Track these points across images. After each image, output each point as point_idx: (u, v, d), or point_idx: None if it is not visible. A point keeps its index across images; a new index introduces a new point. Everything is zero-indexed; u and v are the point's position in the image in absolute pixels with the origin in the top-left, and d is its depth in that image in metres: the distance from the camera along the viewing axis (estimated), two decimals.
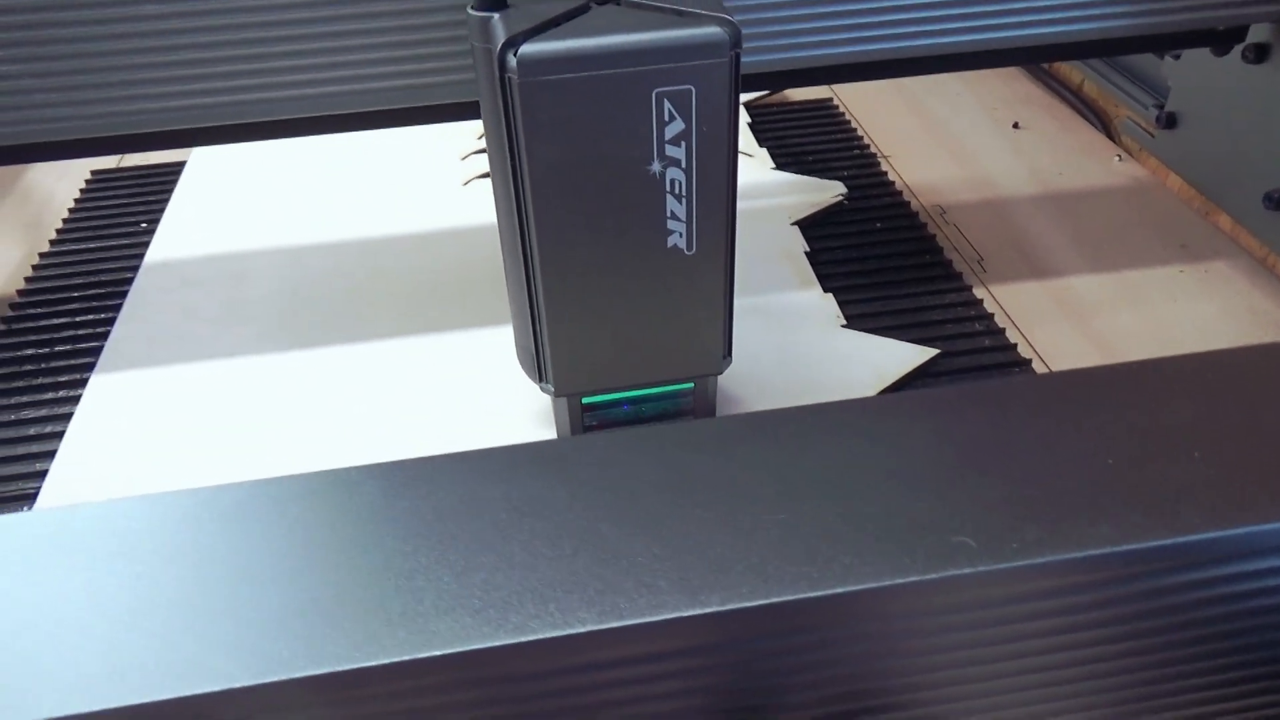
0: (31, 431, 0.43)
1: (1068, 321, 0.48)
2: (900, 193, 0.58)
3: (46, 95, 0.36)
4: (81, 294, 0.52)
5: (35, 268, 0.54)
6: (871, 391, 0.42)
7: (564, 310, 0.33)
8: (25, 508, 0.39)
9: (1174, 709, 0.24)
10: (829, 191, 0.57)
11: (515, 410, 0.42)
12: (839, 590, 0.20)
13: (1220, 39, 0.44)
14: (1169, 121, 0.53)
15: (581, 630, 0.19)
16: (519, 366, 0.37)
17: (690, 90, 0.29)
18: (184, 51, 0.36)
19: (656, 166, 0.30)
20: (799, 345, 0.45)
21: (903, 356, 0.44)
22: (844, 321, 0.47)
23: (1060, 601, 0.21)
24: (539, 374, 0.36)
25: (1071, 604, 0.21)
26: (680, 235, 0.32)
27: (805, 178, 0.59)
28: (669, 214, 0.32)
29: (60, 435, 0.42)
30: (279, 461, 0.40)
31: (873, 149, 0.63)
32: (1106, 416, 0.23)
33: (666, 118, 0.30)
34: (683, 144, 0.30)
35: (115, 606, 0.20)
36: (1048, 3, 0.40)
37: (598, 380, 0.35)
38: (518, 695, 0.20)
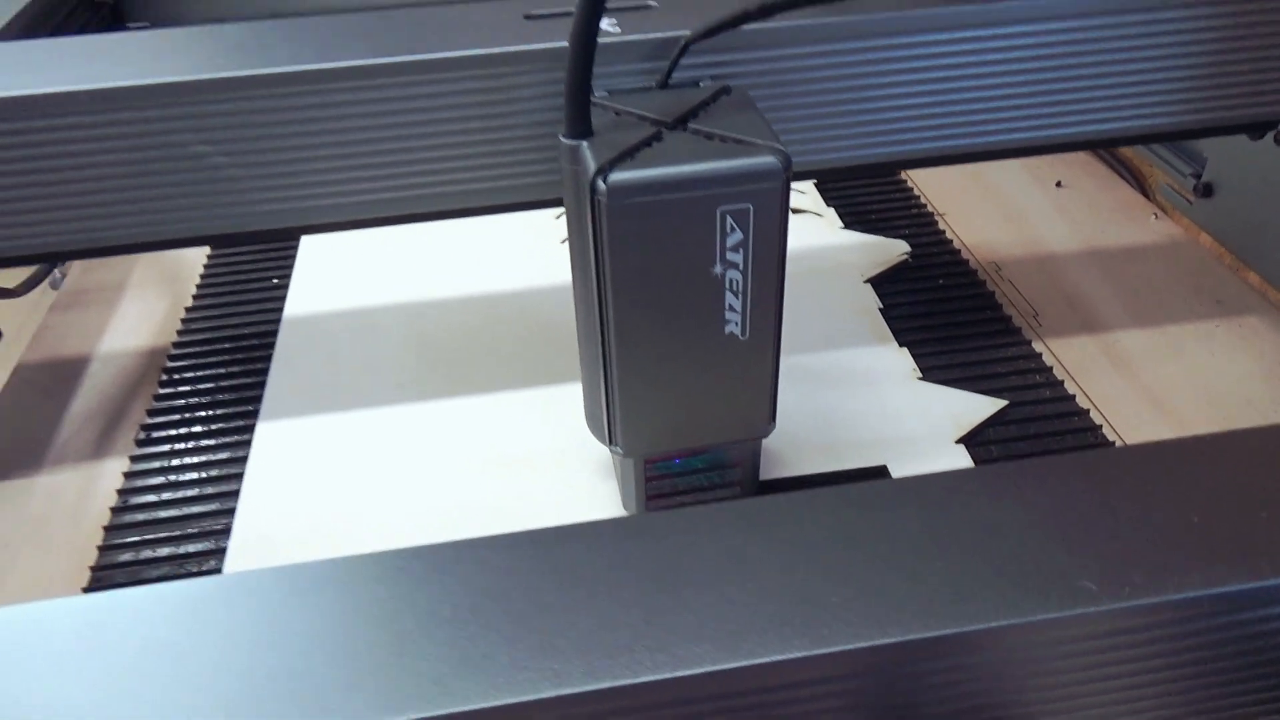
0: (213, 473, 0.49)
1: (1118, 374, 0.54)
2: (958, 250, 0.64)
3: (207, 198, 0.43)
4: (233, 344, 0.58)
5: (184, 320, 0.60)
6: (952, 439, 0.48)
7: (634, 387, 0.39)
8: (221, 542, 0.45)
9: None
10: (895, 250, 0.63)
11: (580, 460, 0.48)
12: (991, 625, 0.26)
13: (1257, 127, 0.50)
14: (1206, 191, 0.58)
15: (795, 656, 0.25)
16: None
17: (749, 208, 0.35)
18: (316, 163, 0.43)
19: (718, 269, 0.36)
20: (883, 397, 0.51)
21: (975, 407, 0.50)
22: (920, 374, 0.53)
23: (1159, 633, 0.26)
24: (608, 438, 0.41)
25: (1168, 636, 0.26)
26: (736, 324, 0.38)
27: (871, 236, 0.65)
28: (727, 307, 0.37)
29: (239, 476, 0.48)
30: (441, 501, 0.46)
31: (929, 208, 0.69)
32: (1185, 484, 0.29)
33: (728, 230, 0.35)
34: (740, 250, 0.36)
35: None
36: (1106, 104, 0.46)
37: (660, 444, 0.41)
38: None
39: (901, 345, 0.55)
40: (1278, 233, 0.53)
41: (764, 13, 0.37)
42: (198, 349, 0.58)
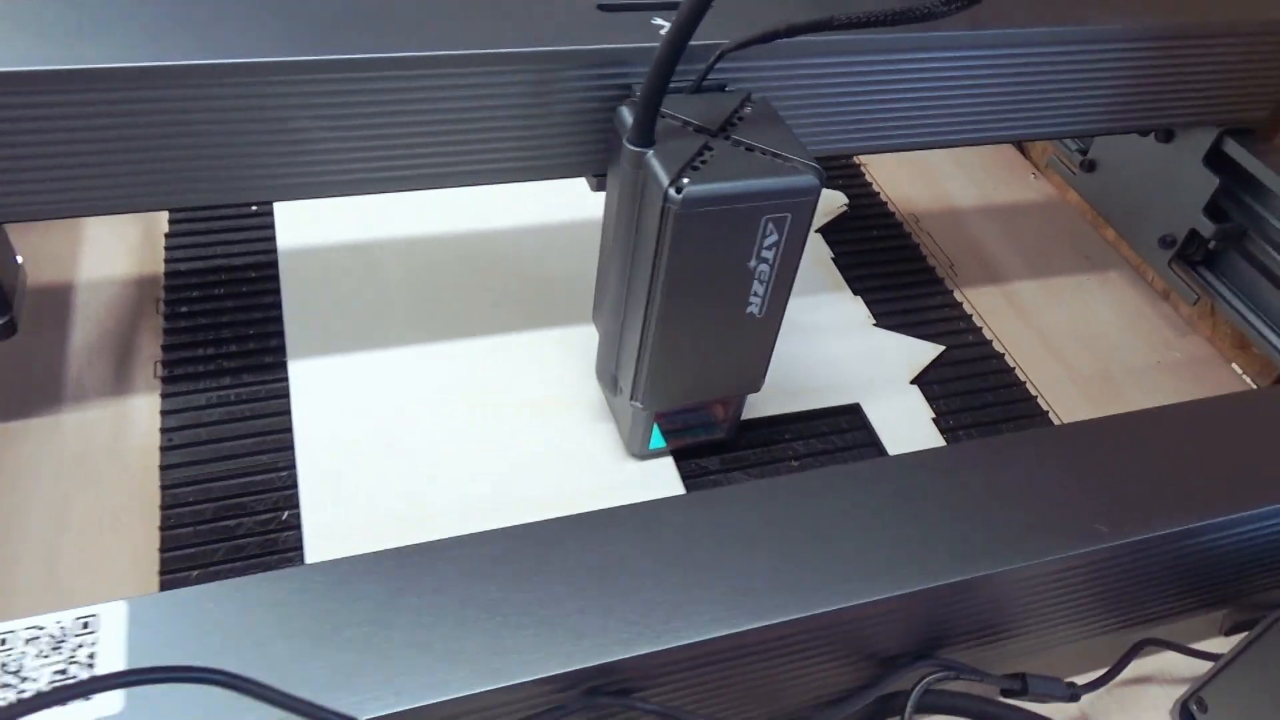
0: (253, 407, 0.52)
1: (1018, 320, 0.66)
2: (885, 203, 0.73)
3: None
4: (229, 275, 0.59)
5: (167, 249, 0.60)
6: (907, 380, 0.58)
7: (665, 356, 0.45)
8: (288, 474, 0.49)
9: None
10: (836, 201, 0.71)
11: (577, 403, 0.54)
12: (1032, 561, 0.35)
13: (1144, 131, 0.61)
14: (1090, 167, 0.70)
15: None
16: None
17: (787, 217, 0.41)
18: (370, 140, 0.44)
19: (753, 263, 0.43)
20: (846, 343, 0.60)
21: (922, 351, 0.60)
22: (874, 321, 0.62)
23: (1143, 558, 0.37)
24: (630, 395, 0.48)
25: (1149, 559, 0.37)
26: (756, 306, 0.45)
27: None
28: (753, 293, 0.44)
29: (282, 412, 0.51)
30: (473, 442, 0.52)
31: (855, 159, 0.77)
32: (1144, 449, 0.40)
33: (767, 233, 0.42)
34: (773, 249, 0.42)
35: None
36: (1040, 112, 0.55)
37: (675, 400, 0.49)
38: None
39: (855, 294, 0.64)
40: (1143, 205, 0.66)
41: (790, 32, 0.43)
42: (193, 279, 0.58)
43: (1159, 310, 0.69)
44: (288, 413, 0.51)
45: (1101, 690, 0.42)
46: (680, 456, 0.52)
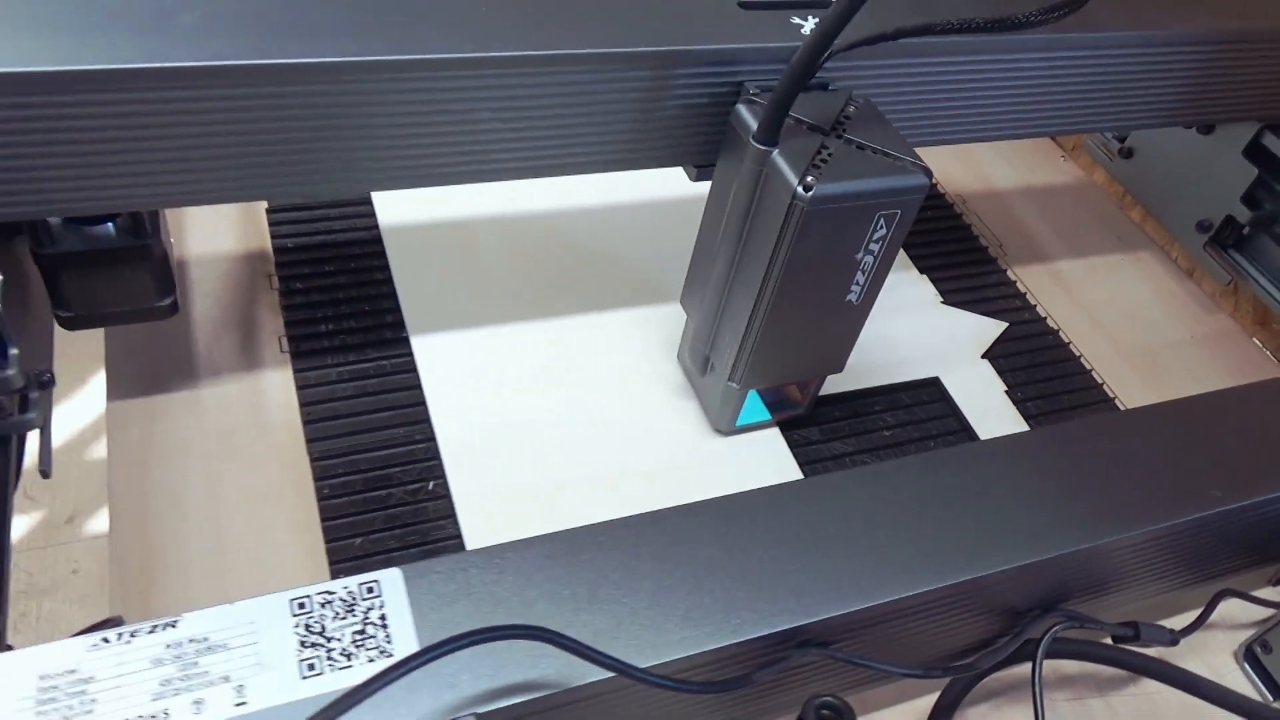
0: (382, 381, 0.54)
1: (1065, 296, 0.70)
2: (935, 184, 0.77)
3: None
4: (337, 252, 0.60)
5: (272, 226, 0.61)
6: (977, 355, 0.63)
7: (769, 340, 0.48)
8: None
9: None
10: None
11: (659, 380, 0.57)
12: (1160, 524, 0.40)
13: (1186, 125, 0.66)
14: (1128, 154, 0.75)
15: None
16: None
17: (897, 213, 0.44)
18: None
19: (860, 255, 0.45)
20: (918, 320, 0.64)
21: (987, 327, 0.65)
22: (942, 299, 0.66)
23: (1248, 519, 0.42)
24: (729, 374, 0.50)
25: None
26: (856, 294, 0.47)
27: None
28: (855, 282, 0.47)
29: (413, 386, 0.54)
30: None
31: None
32: (1218, 427, 0.45)
33: (878, 227, 0.44)
34: (880, 242, 0.45)
35: None
36: (1108, 107, 0.59)
37: (769, 379, 0.52)
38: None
39: (922, 273, 0.68)
40: (1180, 191, 0.71)
41: (897, 35, 0.45)
42: (301, 255, 0.60)
43: (1186, 288, 0.74)
44: (417, 386, 0.54)
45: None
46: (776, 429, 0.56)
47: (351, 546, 0.47)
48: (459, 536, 0.48)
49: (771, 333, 0.48)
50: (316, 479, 0.49)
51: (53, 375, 0.45)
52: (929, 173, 0.44)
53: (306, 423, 0.52)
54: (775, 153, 0.43)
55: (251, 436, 0.51)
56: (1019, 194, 0.79)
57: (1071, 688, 0.49)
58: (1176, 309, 0.72)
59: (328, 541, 0.47)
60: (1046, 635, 0.42)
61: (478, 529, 0.48)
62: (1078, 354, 0.66)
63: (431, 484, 0.50)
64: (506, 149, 0.46)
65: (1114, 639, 0.45)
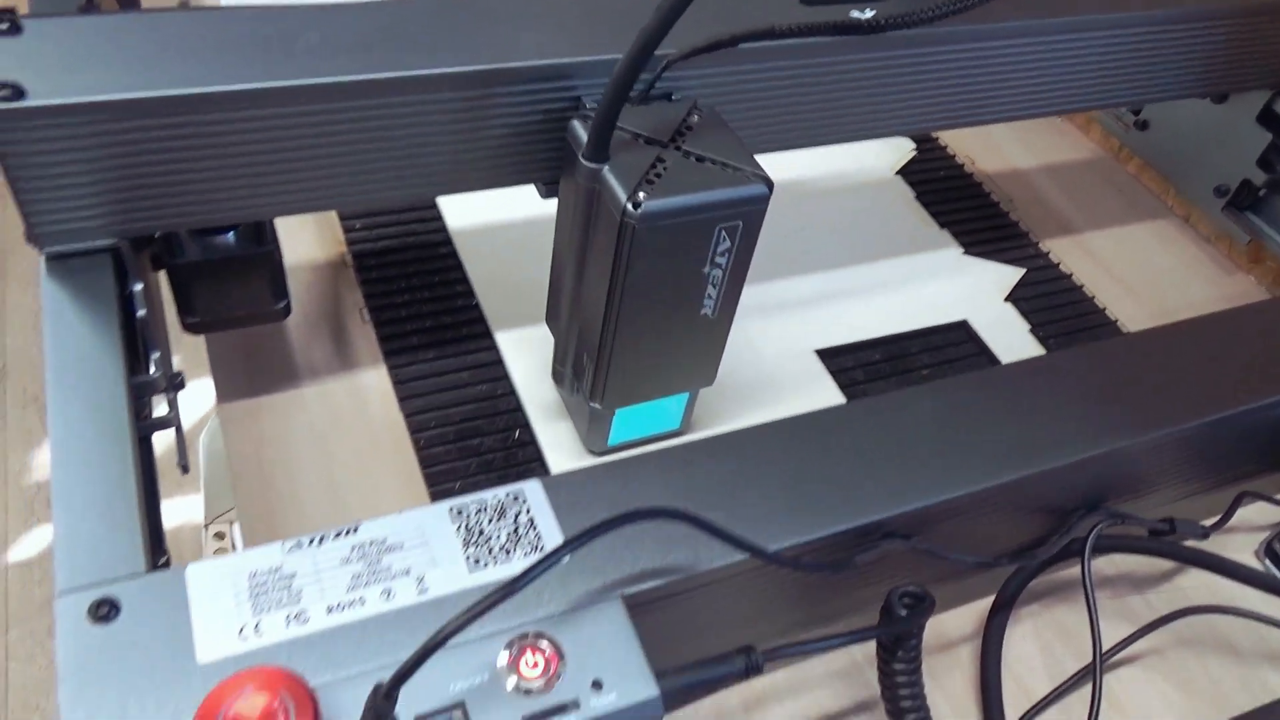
0: (475, 375, 0.57)
1: (1092, 262, 0.74)
2: (945, 147, 0.82)
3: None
4: (412, 254, 0.64)
5: (345, 230, 0.65)
6: (1001, 299, 0.68)
7: (624, 358, 0.47)
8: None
9: None
10: (906, 147, 0.80)
11: None
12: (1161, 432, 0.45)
13: (1202, 96, 0.70)
14: (1143, 126, 0.80)
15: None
16: None
17: (739, 224, 0.43)
18: None
19: (707, 269, 0.44)
20: (943, 269, 0.69)
21: (1007, 274, 0.70)
22: (964, 250, 0.71)
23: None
24: (588, 395, 0.49)
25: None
26: (710, 308, 0.46)
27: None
28: (707, 295, 0.45)
29: (501, 377, 0.58)
30: None
31: None
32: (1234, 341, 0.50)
33: (720, 241, 0.43)
34: (726, 254, 0.44)
35: None
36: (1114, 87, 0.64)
37: (632, 398, 0.50)
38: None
39: (942, 227, 0.73)
40: (1196, 159, 0.76)
41: (734, 41, 0.45)
42: (377, 259, 0.63)
43: (1207, 252, 0.78)
44: (500, 362, 0.58)
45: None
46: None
47: (451, 489, 0.52)
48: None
49: (626, 352, 0.46)
50: (412, 433, 0.54)
51: (183, 377, 0.48)
52: (769, 182, 0.42)
53: (401, 399, 0.55)
54: (605, 169, 0.41)
55: (359, 435, 0.55)
56: (1029, 156, 0.84)
57: (1111, 587, 0.54)
58: (1199, 272, 0.76)
59: (429, 486, 0.52)
60: (1093, 531, 0.47)
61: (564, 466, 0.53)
62: (1101, 306, 0.70)
63: (517, 432, 0.55)
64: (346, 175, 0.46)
65: (1151, 533, 0.50)
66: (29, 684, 1.25)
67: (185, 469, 0.47)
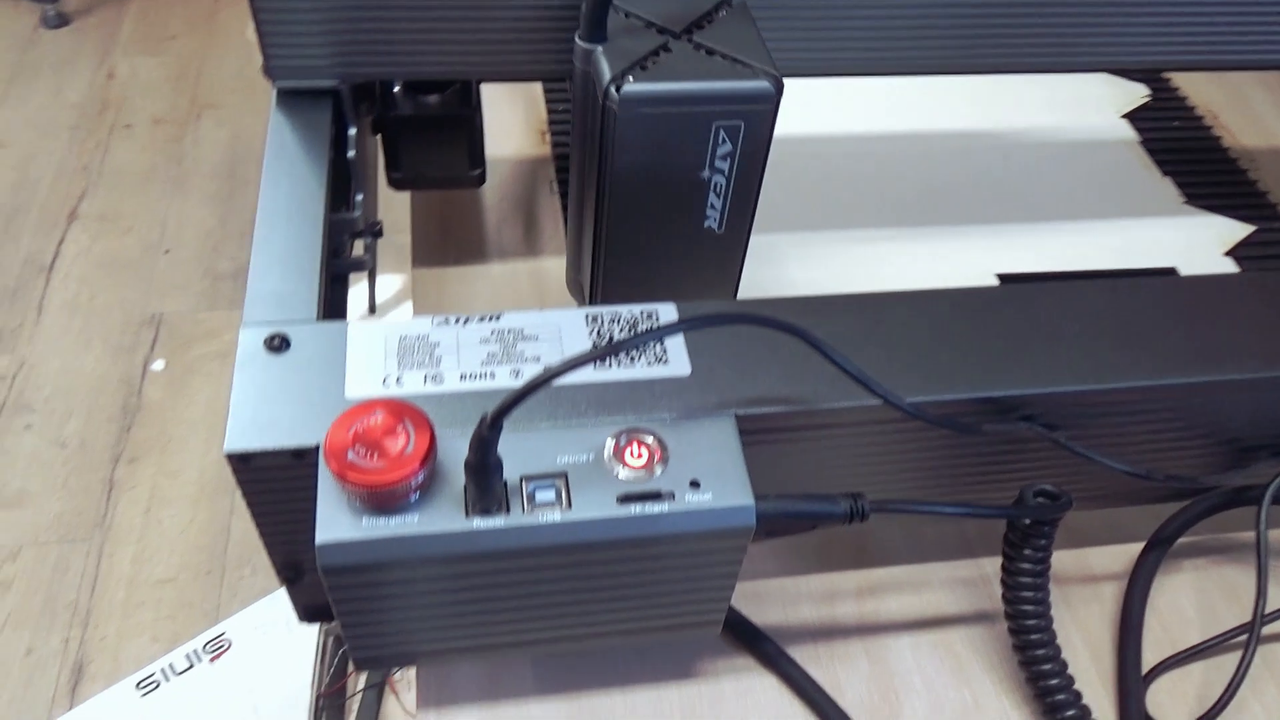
0: None
1: None
2: (1184, 98, 0.76)
3: None
4: None
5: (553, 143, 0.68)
6: (1220, 253, 0.62)
7: (619, 262, 0.44)
8: None
9: None
10: (1139, 92, 0.74)
11: None
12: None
13: None
14: None
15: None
16: None
17: (740, 125, 0.39)
18: None
19: (705, 174, 0.41)
20: (1161, 217, 0.64)
21: (1232, 229, 0.64)
22: (1185, 199, 0.66)
23: None
24: (589, 298, 0.47)
25: None
26: (713, 219, 0.43)
27: (1112, 77, 0.76)
28: (709, 205, 0.42)
29: None
30: None
31: None
32: None
33: (720, 141, 0.40)
34: (728, 159, 0.40)
35: None
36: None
37: None
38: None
39: (1164, 175, 0.67)
40: None
41: None
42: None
43: None
44: None
45: None
46: None
47: None
48: None
49: (620, 254, 0.44)
50: None
51: (381, 226, 0.53)
52: (778, 82, 0.39)
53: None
54: (599, 50, 0.39)
55: (529, 306, 0.57)
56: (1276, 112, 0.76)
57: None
58: None
59: None
60: (1278, 478, 0.43)
61: None
62: None
63: None
64: None
65: None
66: (247, 540, 1.40)
67: (373, 310, 0.52)
